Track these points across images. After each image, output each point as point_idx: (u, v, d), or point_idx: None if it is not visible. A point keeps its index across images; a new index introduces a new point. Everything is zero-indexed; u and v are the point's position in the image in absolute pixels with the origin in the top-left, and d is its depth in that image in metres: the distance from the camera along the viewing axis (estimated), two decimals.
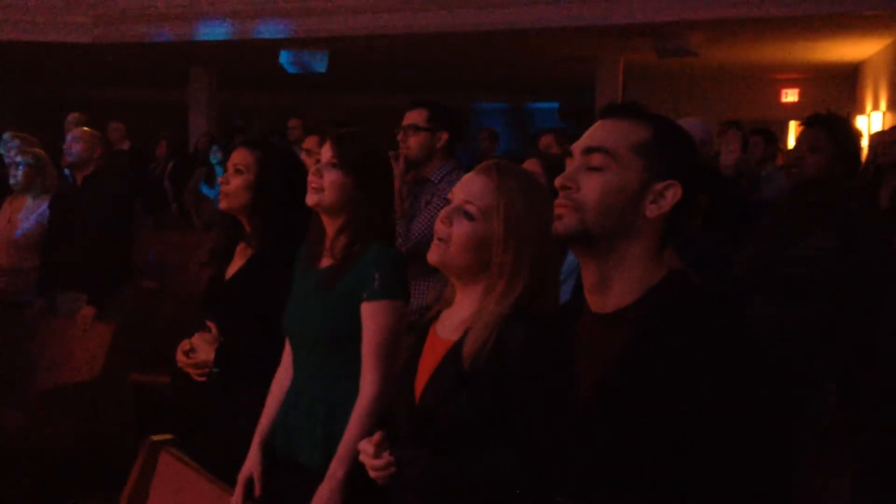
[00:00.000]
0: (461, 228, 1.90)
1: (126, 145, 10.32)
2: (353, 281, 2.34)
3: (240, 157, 2.82)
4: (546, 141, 5.60)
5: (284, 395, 2.51)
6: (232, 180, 2.79)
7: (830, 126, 3.39)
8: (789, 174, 3.52)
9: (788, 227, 3.38)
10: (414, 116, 3.64)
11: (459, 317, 1.95)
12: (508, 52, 11.90)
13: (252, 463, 2.49)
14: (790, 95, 13.91)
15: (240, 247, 2.86)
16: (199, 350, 2.69)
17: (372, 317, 2.31)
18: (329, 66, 11.85)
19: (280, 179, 2.79)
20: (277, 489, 2.46)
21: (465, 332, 1.89)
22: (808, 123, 3.45)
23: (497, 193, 1.90)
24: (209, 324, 2.73)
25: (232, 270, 2.85)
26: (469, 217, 1.90)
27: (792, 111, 13.39)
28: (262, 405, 2.61)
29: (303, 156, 4.39)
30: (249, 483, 2.47)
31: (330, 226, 2.44)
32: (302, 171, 2.89)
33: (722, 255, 3.22)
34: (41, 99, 15.57)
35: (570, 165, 1.54)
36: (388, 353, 2.30)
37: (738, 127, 7.07)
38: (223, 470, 2.51)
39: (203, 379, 2.70)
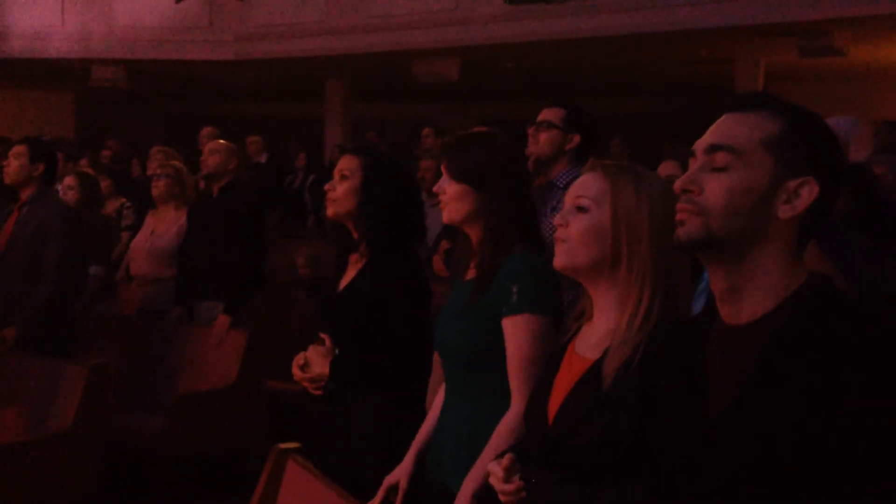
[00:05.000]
0: (578, 223, 1.85)
1: (264, 158, 10.58)
2: (493, 295, 2.22)
3: (345, 162, 2.79)
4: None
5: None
6: (338, 186, 2.76)
7: None
8: None
9: None
10: (549, 114, 3.58)
11: (599, 333, 1.86)
12: (642, 56, 11.67)
13: (403, 470, 2.44)
14: None
15: (353, 257, 2.83)
16: (313, 364, 2.66)
17: (513, 332, 2.18)
18: (461, 74, 11.88)
19: (386, 184, 2.75)
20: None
21: (605, 351, 1.79)
22: None
23: (605, 182, 1.86)
24: (323, 336, 2.70)
25: (345, 281, 2.82)
26: (583, 210, 1.85)
27: None
28: (379, 414, 2.56)
29: None
30: (392, 490, 2.42)
31: (474, 238, 2.34)
32: (409, 178, 2.86)
33: (872, 260, 3.02)
34: (186, 115, 16.19)
35: (693, 166, 1.41)
36: (534, 371, 2.15)
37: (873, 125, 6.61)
38: (344, 479, 2.48)
39: (319, 392, 2.68)
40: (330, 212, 2.80)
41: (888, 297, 3.13)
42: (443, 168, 2.36)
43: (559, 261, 1.87)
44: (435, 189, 2.36)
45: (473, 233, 2.33)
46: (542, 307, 2.18)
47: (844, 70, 12.02)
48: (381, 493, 2.43)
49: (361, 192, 2.74)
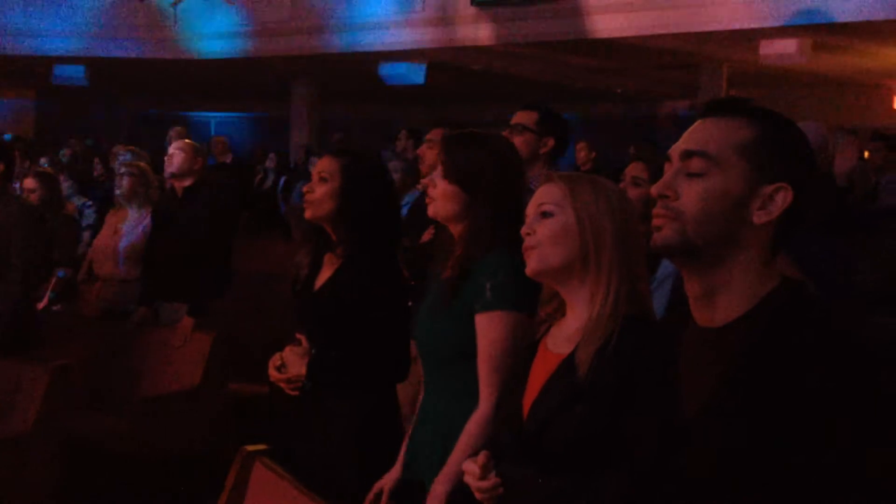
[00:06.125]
0: (545, 228, 1.91)
1: (229, 158, 10.51)
2: (469, 293, 2.24)
3: (325, 164, 2.77)
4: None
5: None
6: (317, 188, 2.73)
7: None
8: None
9: None
10: (523, 117, 3.59)
11: (570, 329, 1.90)
12: (607, 61, 11.74)
13: (389, 476, 2.44)
14: None
15: (328, 257, 2.81)
16: (290, 364, 2.64)
17: (484, 329, 2.20)
18: (427, 77, 11.89)
19: (366, 187, 2.73)
20: None
21: (578, 344, 1.83)
22: None
23: (564, 188, 1.93)
24: (299, 336, 2.68)
25: (320, 281, 2.80)
26: (548, 214, 1.91)
27: None
28: (356, 415, 2.57)
29: (424, 147, 4.32)
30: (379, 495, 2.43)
31: (456, 235, 2.36)
32: (388, 180, 2.85)
33: (837, 264, 3.05)
34: (149, 115, 16.06)
35: (668, 171, 1.42)
36: (504, 368, 2.17)
37: (855, 134, 6.76)
38: (318, 480, 2.47)
39: (296, 393, 2.66)
40: (308, 213, 2.76)
41: (854, 300, 3.18)
42: (439, 161, 2.36)
43: (532, 266, 1.92)
44: (426, 181, 2.37)
45: (457, 231, 2.35)
46: (515, 304, 2.19)
47: (806, 77, 12.19)
48: (369, 498, 2.43)
49: (340, 195, 2.71)
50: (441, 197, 2.32)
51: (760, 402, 1.29)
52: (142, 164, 5.65)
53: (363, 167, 2.79)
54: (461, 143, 2.38)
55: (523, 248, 1.93)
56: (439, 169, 2.34)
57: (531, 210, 1.95)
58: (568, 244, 1.88)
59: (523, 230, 1.93)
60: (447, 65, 11.78)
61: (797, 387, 1.27)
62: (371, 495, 2.42)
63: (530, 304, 2.17)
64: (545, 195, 1.94)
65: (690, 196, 1.38)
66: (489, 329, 2.20)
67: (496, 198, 2.29)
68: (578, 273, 1.88)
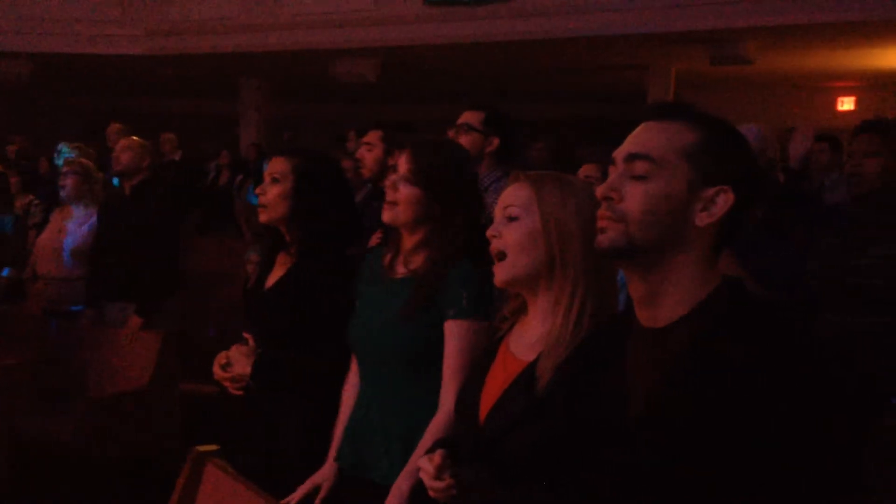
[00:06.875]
0: (511, 232, 1.89)
1: (178, 156, 10.41)
2: (442, 301, 2.25)
3: (276, 165, 2.74)
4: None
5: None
6: (269, 190, 2.71)
7: (884, 130, 3.30)
8: (850, 183, 3.42)
9: (855, 236, 3.28)
10: (469, 116, 3.61)
11: (533, 335, 1.90)
12: (558, 61, 11.81)
13: (324, 474, 2.44)
14: (846, 104, 13.62)
15: (281, 256, 2.80)
16: (235, 363, 2.62)
17: (456, 335, 2.23)
18: (379, 76, 11.86)
19: (318, 187, 2.71)
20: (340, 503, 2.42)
21: (540, 354, 1.83)
22: (862, 130, 3.37)
23: (530, 190, 1.90)
24: (246, 335, 2.67)
25: (272, 280, 2.79)
26: (514, 219, 1.89)
27: (848, 120, 13.10)
28: (303, 415, 2.57)
29: (363, 150, 4.28)
30: (313, 493, 2.44)
31: (408, 239, 2.36)
32: (342, 178, 2.84)
33: (788, 264, 3.12)
34: (96, 110, 15.80)
35: (613, 174, 1.45)
36: (467, 373, 2.19)
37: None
38: (264, 481, 2.47)
39: (240, 392, 2.64)
40: (262, 217, 2.74)
41: (802, 300, 3.25)
42: (402, 166, 2.34)
43: (500, 277, 1.91)
44: (388, 184, 2.36)
45: (412, 235, 2.35)
46: (484, 314, 2.23)
47: (752, 79, 12.38)
48: (302, 491, 2.43)
49: (293, 196, 2.70)
50: (404, 201, 2.30)
51: (701, 402, 1.32)
52: (85, 161, 5.57)
53: (316, 166, 2.77)
54: (428, 148, 2.38)
55: (490, 249, 1.93)
56: (403, 173, 2.32)
57: (498, 212, 1.94)
58: (534, 249, 1.87)
59: (489, 232, 1.93)
60: (399, 63, 11.77)
61: (736, 385, 1.30)
62: (306, 488, 2.43)
63: (494, 310, 2.20)
64: (511, 197, 1.92)
65: (634, 198, 1.41)
66: (460, 336, 2.23)
67: (463, 203, 2.31)
68: (545, 278, 1.88)
